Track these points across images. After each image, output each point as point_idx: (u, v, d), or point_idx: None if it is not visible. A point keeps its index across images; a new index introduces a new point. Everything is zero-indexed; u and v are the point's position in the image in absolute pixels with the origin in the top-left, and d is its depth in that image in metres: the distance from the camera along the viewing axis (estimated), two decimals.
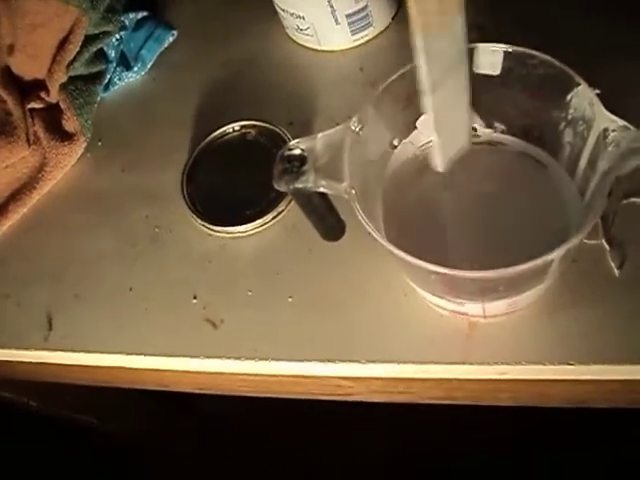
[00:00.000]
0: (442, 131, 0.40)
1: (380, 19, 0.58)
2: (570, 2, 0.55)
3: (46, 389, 0.70)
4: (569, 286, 0.45)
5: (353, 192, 0.39)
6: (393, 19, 0.59)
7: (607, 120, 0.37)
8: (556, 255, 0.35)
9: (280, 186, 0.41)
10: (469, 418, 0.54)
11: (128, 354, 0.52)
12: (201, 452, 0.99)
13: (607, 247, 0.46)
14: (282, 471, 0.96)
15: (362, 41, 0.59)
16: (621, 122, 0.37)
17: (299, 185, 0.40)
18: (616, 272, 0.46)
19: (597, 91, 0.38)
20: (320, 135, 0.41)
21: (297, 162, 0.41)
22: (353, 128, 0.40)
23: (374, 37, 0.59)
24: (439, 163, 0.42)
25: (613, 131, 0.37)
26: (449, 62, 0.38)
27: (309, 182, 0.40)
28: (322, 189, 0.40)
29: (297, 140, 0.41)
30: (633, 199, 0.47)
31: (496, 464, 0.88)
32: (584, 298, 0.45)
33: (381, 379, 0.49)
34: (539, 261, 0.35)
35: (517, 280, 0.38)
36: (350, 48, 0.59)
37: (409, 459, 0.95)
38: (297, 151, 0.41)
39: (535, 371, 0.45)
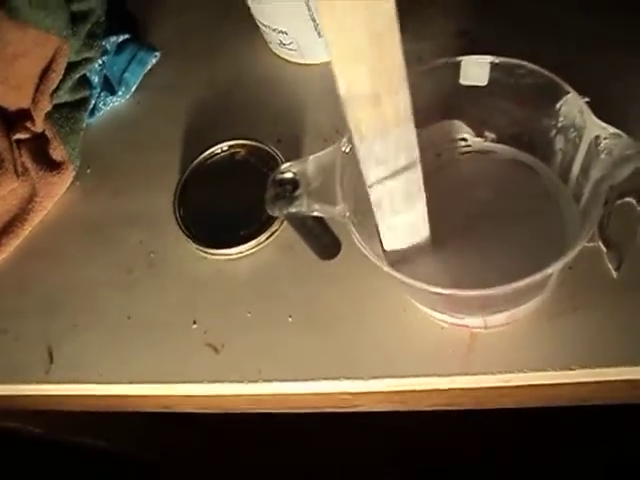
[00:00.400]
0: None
1: None
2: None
3: (50, 416, 0.70)
4: (568, 291, 0.45)
5: (348, 215, 0.39)
6: None
7: (598, 128, 0.37)
8: (555, 269, 0.35)
9: (273, 211, 0.41)
10: (468, 418, 0.54)
11: (131, 383, 0.51)
12: (209, 459, 0.99)
13: (604, 249, 0.46)
14: (282, 470, 0.97)
15: None
16: (612, 129, 0.37)
17: (292, 210, 0.40)
18: (614, 274, 0.46)
19: (586, 99, 0.38)
20: (311, 157, 0.41)
21: (289, 186, 0.40)
22: (343, 149, 0.40)
23: None
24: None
25: (605, 139, 0.37)
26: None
27: (302, 207, 0.40)
28: (316, 213, 0.40)
29: (288, 164, 0.41)
30: (628, 199, 0.47)
31: (495, 464, 0.89)
32: (583, 302, 0.45)
33: (385, 392, 0.49)
34: (538, 276, 0.35)
35: (516, 294, 0.38)
36: None
37: (408, 460, 0.95)
38: (289, 175, 0.41)
39: (538, 377, 0.45)
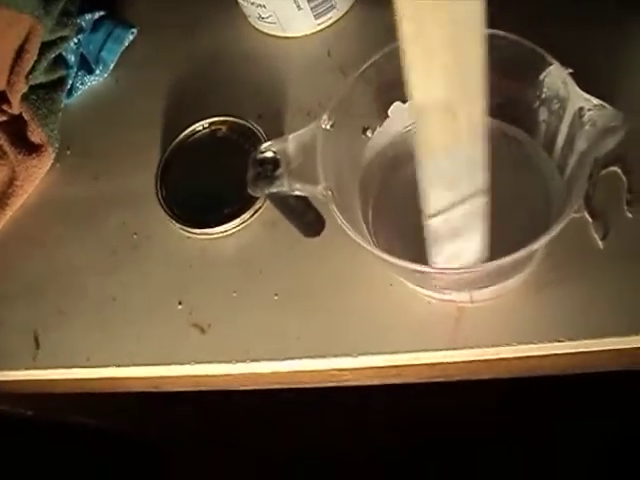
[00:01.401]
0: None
1: (343, 1, 0.56)
2: None
3: (40, 398, 0.70)
4: (554, 262, 0.45)
5: (330, 194, 0.38)
6: None
7: (582, 99, 0.36)
8: (540, 244, 0.35)
9: (255, 192, 0.40)
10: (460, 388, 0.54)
11: (118, 366, 0.51)
12: (202, 440, 0.99)
13: (590, 219, 0.46)
14: (280, 447, 0.97)
15: (327, 24, 0.57)
16: (596, 101, 0.36)
17: (274, 190, 0.39)
18: (600, 244, 0.45)
19: (570, 70, 0.37)
20: (291, 136, 0.40)
21: (270, 165, 0.40)
22: (324, 126, 0.39)
23: (339, 19, 0.57)
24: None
25: (589, 110, 0.36)
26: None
27: (284, 186, 0.39)
28: (297, 192, 0.40)
29: (268, 143, 0.40)
30: (613, 168, 0.47)
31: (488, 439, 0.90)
32: (570, 273, 0.45)
33: (373, 368, 0.49)
34: (523, 252, 0.35)
35: (502, 270, 0.38)
36: (315, 32, 0.57)
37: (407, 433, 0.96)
38: (269, 154, 0.40)
39: (526, 350, 0.45)
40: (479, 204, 0.35)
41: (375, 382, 0.53)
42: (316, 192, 0.39)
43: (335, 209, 0.37)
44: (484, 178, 0.33)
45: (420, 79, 0.28)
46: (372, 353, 0.47)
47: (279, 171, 0.39)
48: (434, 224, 0.36)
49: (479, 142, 0.31)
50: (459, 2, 0.25)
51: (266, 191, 0.40)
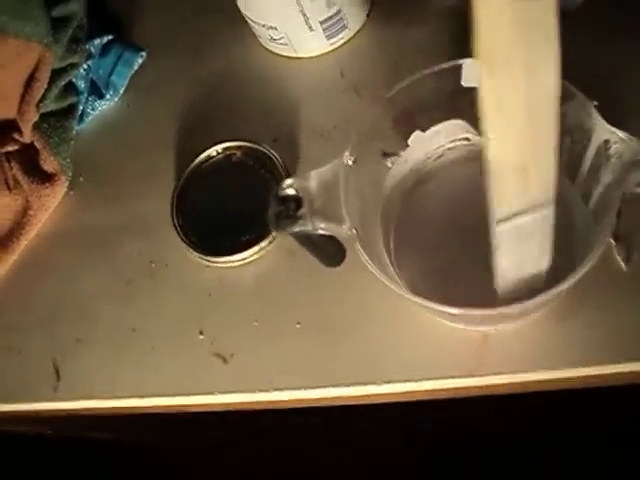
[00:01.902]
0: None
1: (354, 20, 0.56)
2: None
3: (59, 420, 0.70)
4: (578, 287, 0.44)
5: (354, 232, 0.38)
6: (368, 16, 0.57)
7: (607, 132, 0.36)
8: (569, 284, 0.35)
9: (277, 230, 0.40)
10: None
11: (141, 397, 0.51)
12: (220, 454, 0.99)
13: (613, 242, 0.46)
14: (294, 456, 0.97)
15: (339, 44, 0.57)
16: (622, 134, 0.36)
17: (297, 229, 0.39)
18: (624, 267, 0.45)
19: (595, 103, 0.37)
20: (313, 173, 0.40)
21: (292, 203, 0.40)
22: (346, 162, 0.39)
23: (351, 38, 0.57)
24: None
25: (615, 143, 0.36)
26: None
27: (307, 226, 0.39)
28: (321, 231, 0.39)
29: (290, 180, 0.40)
30: (635, 190, 0.47)
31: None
32: (593, 297, 0.44)
33: (397, 394, 0.49)
34: (552, 293, 0.34)
35: (529, 307, 0.38)
36: (327, 52, 0.57)
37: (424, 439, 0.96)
38: (291, 191, 0.40)
39: (550, 374, 0.45)
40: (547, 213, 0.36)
41: (398, 400, 0.53)
42: (341, 231, 0.38)
43: (361, 249, 0.37)
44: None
45: (498, 143, 0.30)
46: (396, 381, 0.46)
47: (302, 210, 0.39)
48: (502, 229, 0.36)
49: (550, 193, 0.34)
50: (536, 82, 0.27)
51: (289, 230, 0.39)
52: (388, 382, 0.47)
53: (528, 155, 0.31)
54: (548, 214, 0.36)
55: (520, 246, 0.37)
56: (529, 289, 0.38)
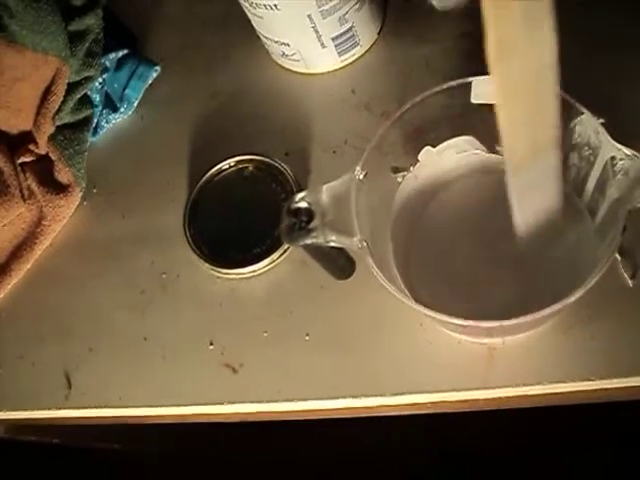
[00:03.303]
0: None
1: (366, 36, 0.57)
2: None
3: (67, 428, 0.71)
4: (583, 301, 0.44)
5: (365, 245, 0.39)
6: (379, 34, 0.58)
7: (614, 149, 0.37)
8: (575, 297, 0.35)
9: (289, 242, 0.41)
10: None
11: (150, 406, 0.52)
12: (224, 463, 0.99)
13: (618, 257, 0.46)
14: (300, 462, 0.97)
15: (350, 60, 0.57)
16: (628, 151, 0.37)
17: (309, 241, 0.40)
18: (629, 282, 0.46)
19: (601, 120, 0.38)
20: (325, 187, 0.40)
21: (304, 216, 0.40)
22: (357, 177, 0.40)
23: (362, 55, 0.58)
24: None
25: (621, 160, 0.37)
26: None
27: (319, 238, 0.40)
28: (332, 244, 0.40)
29: (302, 193, 0.41)
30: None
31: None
32: (599, 312, 0.45)
33: (405, 405, 0.49)
34: (558, 306, 0.35)
35: (535, 321, 0.38)
36: (339, 69, 0.58)
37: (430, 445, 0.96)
38: (303, 204, 0.41)
39: (556, 388, 0.45)
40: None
41: (407, 412, 0.53)
42: (352, 244, 0.39)
43: (372, 263, 0.38)
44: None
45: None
46: (403, 393, 0.47)
47: (314, 223, 0.40)
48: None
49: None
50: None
51: (301, 242, 0.40)
52: (395, 394, 0.47)
53: (534, 112, 0.34)
54: (554, 160, 0.37)
55: (534, 192, 0.39)
56: (550, 232, 0.41)
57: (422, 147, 0.44)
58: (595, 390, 0.46)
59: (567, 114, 0.39)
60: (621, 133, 0.37)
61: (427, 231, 0.46)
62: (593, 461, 0.88)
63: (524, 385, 0.45)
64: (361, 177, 0.40)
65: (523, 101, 0.33)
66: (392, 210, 0.45)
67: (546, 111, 0.34)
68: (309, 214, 0.40)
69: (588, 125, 0.39)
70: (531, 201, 0.39)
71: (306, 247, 0.43)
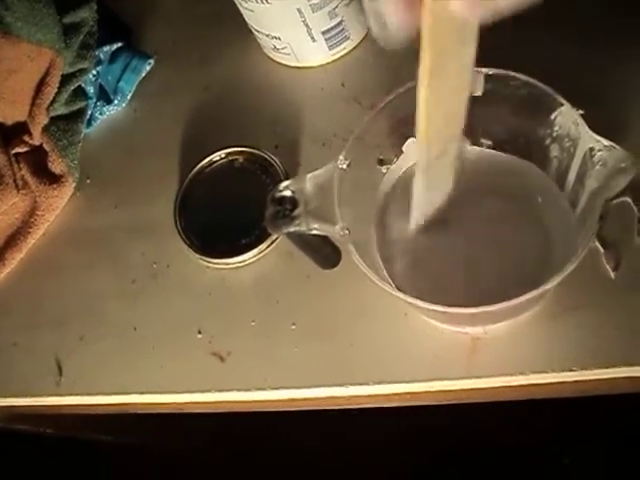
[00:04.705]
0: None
1: (356, 31, 0.57)
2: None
3: (59, 418, 0.71)
4: (566, 292, 0.45)
5: (347, 233, 0.39)
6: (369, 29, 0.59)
7: (592, 140, 0.38)
8: (553, 284, 0.36)
9: (273, 230, 0.42)
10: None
11: (140, 393, 0.52)
12: (215, 453, 1.00)
13: (601, 249, 0.47)
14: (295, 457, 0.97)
15: (341, 54, 0.58)
16: (606, 142, 0.37)
17: (292, 229, 0.40)
18: (612, 274, 0.46)
19: (581, 111, 0.38)
20: (309, 176, 0.41)
21: (288, 205, 0.41)
22: (341, 166, 0.41)
23: (352, 49, 0.58)
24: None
25: (599, 151, 0.37)
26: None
27: (302, 226, 0.40)
28: (315, 232, 0.41)
29: (287, 182, 0.41)
30: (623, 198, 0.48)
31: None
32: (582, 303, 0.46)
33: (390, 394, 0.50)
34: (535, 292, 0.36)
35: (515, 307, 0.39)
36: (329, 63, 0.58)
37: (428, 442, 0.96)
38: (287, 193, 0.41)
39: (539, 378, 0.46)
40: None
41: (391, 404, 0.54)
42: (334, 232, 0.40)
43: (353, 250, 0.38)
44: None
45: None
46: (388, 382, 0.48)
47: (297, 211, 0.40)
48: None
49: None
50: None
51: (284, 230, 0.41)
52: (379, 383, 0.48)
53: (453, 114, 0.36)
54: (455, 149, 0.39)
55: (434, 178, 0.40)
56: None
57: (407, 139, 0.45)
58: (578, 382, 0.46)
59: (548, 106, 0.40)
60: (601, 125, 0.38)
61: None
62: (584, 458, 0.88)
63: (507, 375, 0.46)
64: (344, 166, 0.41)
65: (444, 106, 0.35)
66: (376, 199, 0.45)
67: (461, 109, 0.36)
68: (293, 202, 0.41)
69: (568, 117, 0.39)
70: (432, 194, 0.41)
71: (291, 236, 0.44)
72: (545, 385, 0.47)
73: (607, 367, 0.44)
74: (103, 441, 0.90)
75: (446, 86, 0.33)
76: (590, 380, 0.46)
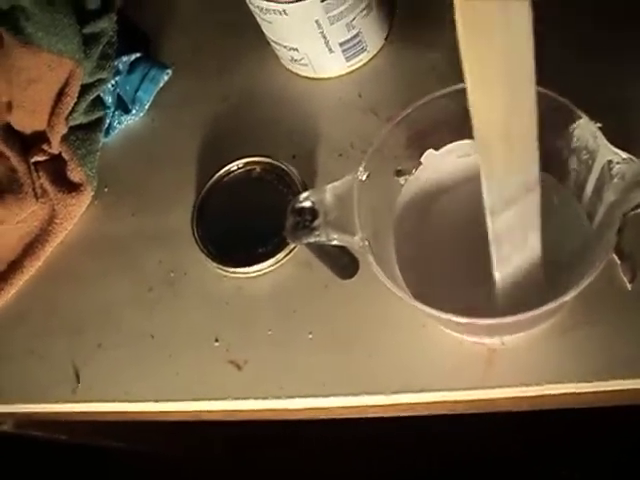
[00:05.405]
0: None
1: (373, 42, 0.58)
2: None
3: (73, 424, 0.72)
4: (582, 304, 0.45)
5: (366, 244, 0.40)
6: (386, 40, 0.59)
7: (611, 152, 0.38)
8: (571, 296, 0.36)
9: (293, 241, 0.42)
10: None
11: (156, 401, 0.53)
12: (226, 462, 1.00)
13: (617, 261, 0.47)
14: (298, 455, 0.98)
15: (358, 65, 0.59)
16: (624, 155, 0.37)
17: (312, 240, 0.41)
18: (629, 286, 0.46)
19: (599, 124, 0.39)
20: (329, 187, 0.41)
21: (308, 215, 0.41)
22: (360, 177, 0.41)
23: (369, 60, 0.59)
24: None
25: (617, 163, 0.38)
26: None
27: (322, 237, 0.41)
28: (335, 242, 0.41)
29: (307, 193, 0.42)
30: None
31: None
32: (598, 314, 0.46)
33: (405, 404, 0.50)
34: (554, 304, 0.36)
35: (532, 319, 0.39)
36: (346, 74, 0.59)
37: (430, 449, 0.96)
38: (307, 204, 0.42)
39: (554, 389, 0.46)
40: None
41: (405, 414, 0.54)
42: (353, 242, 0.40)
43: (373, 261, 0.39)
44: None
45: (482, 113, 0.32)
46: (404, 392, 0.48)
47: (317, 222, 0.41)
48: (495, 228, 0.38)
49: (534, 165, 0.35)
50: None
51: (304, 241, 0.41)
52: (396, 392, 0.48)
53: (510, 118, 0.32)
54: (535, 198, 0.37)
55: (513, 239, 0.39)
56: (528, 295, 0.40)
57: (425, 150, 0.45)
58: (593, 393, 0.46)
59: (566, 118, 0.40)
60: (619, 137, 0.38)
61: (429, 233, 0.46)
62: (585, 471, 0.88)
63: (522, 385, 0.46)
64: (363, 178, 0.41)
65: (497, 100, 0.31)
66: (395, 211, 0.46)
67: (525, 121, 0.33)
68: (313, 213, 0.41)
69: (586, 129, 0.39)
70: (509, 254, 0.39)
71: (310, 246, 0.44)
72: (560, 396, 0.47)
73: (623, 378, 0.44)
74: (115, 448, 0.90)
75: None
76: (606, 391, 0.46)
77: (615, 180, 0.38)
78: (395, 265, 0.45)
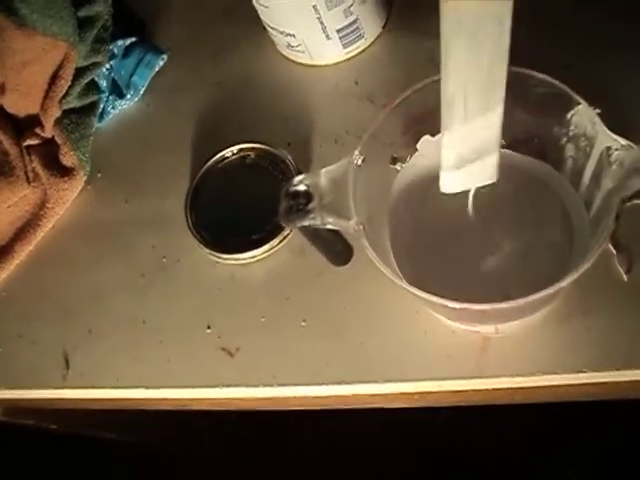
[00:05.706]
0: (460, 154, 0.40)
1: (371, 30, 0.57)
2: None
3: (64, 413, 0.71)
4: (578, 294, 0.45)
5: (361, 228, 0.39)
6: (384, 28, 0.59)
7: (609, 139, 0.37)
8: (566, 283, 0.36)
9: (287, 224, 0.42)
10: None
11: (147, 388, 0.52)
12: (217, 453, 1.00)
13: (614, 252, 0.47)
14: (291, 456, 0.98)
15: (355, 53, 0.58)
16: (623, 141, 0.37)
17: (306, 223, 0.40)
18: (624, 277, 0.46)
19: (598, 110, 0.38)
20: (323, 170, 0.41)
21: (302, 199, 0.41)
22: (355, 162, 0.40)
23: (366, 48, 0.58)
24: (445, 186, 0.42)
25: (616, 150, 0.37)
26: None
27: (316, 220, 0.40)
28: (329, 226, 0.40)
29: (301, 176, 0.41)
30: (637, 201, 0.48)
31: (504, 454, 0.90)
32: (594, 305, 0.45)
33: (398, 394, 0.50)
34: (549, 290, 0.35)
35: (528, 305, 0.39)
36: (343, 61, 0.58)
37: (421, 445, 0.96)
38: (302, 187, 0.41)
39: (549, 379, 0.46)
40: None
41: (399, 405, 0.53)
42: (348, 227, 0.40)
43: (367, 245, 0.38)
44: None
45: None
46: (397, 380, 0.48)
47: (312, 205, 0.40)
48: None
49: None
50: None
51: (298, 224, 0.41)
52: (389, 381, 0.48)
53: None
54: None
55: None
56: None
57: (421, 136, 0.45)
58: (588, 384, 0.46)
59: (564, 105, 0.40)
60: (617, 124, 0.38)
61: (425, 219, 0.46)
62: (588, 470, 0.88)
63: (517, 375, 0.46)
64: (359, 162, 0.41)
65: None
66: (389, 195, 0.45)
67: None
68: (307, 196, 0.41)
69: (585, 116, 0.39)
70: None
71: (304, 231, 0.44)
72: (554, 387, 0.47)
73: (618, 369, 0.44)
74: (106, 438, 0.90)
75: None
76: (600, 383, 0.46)
77: (613, 167, 0.37)
78: (389, 251, 0.44)
